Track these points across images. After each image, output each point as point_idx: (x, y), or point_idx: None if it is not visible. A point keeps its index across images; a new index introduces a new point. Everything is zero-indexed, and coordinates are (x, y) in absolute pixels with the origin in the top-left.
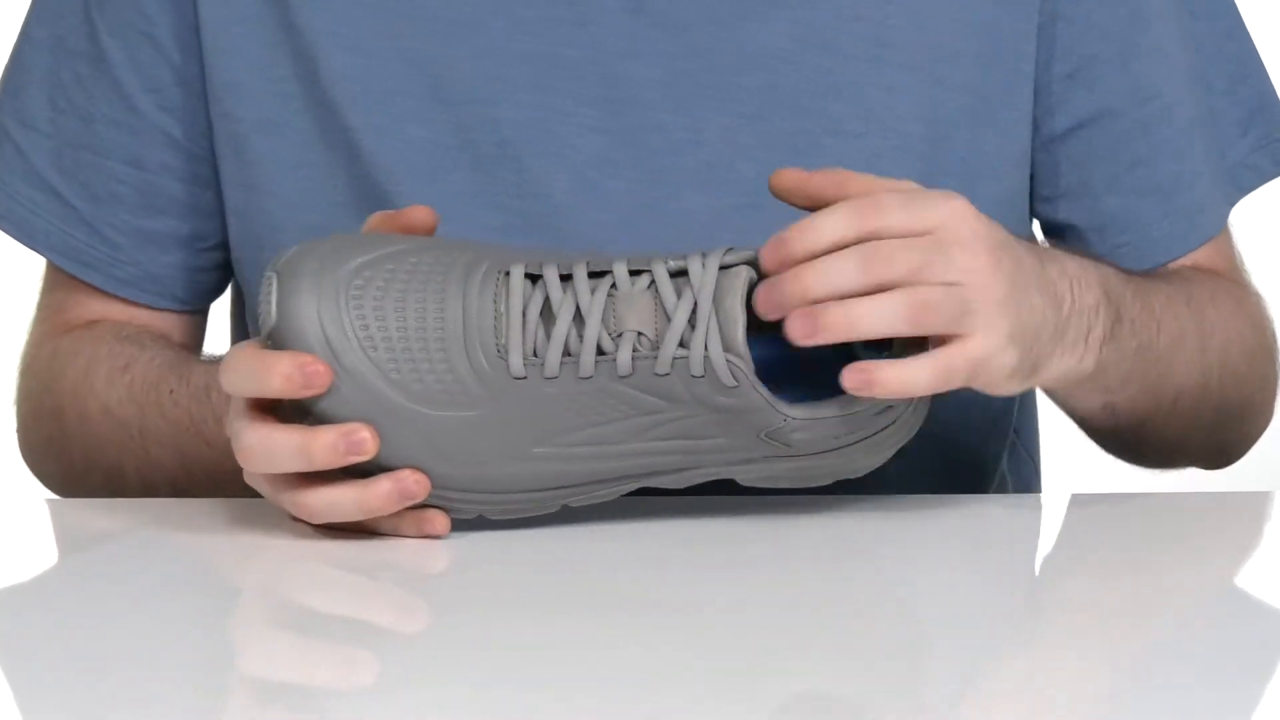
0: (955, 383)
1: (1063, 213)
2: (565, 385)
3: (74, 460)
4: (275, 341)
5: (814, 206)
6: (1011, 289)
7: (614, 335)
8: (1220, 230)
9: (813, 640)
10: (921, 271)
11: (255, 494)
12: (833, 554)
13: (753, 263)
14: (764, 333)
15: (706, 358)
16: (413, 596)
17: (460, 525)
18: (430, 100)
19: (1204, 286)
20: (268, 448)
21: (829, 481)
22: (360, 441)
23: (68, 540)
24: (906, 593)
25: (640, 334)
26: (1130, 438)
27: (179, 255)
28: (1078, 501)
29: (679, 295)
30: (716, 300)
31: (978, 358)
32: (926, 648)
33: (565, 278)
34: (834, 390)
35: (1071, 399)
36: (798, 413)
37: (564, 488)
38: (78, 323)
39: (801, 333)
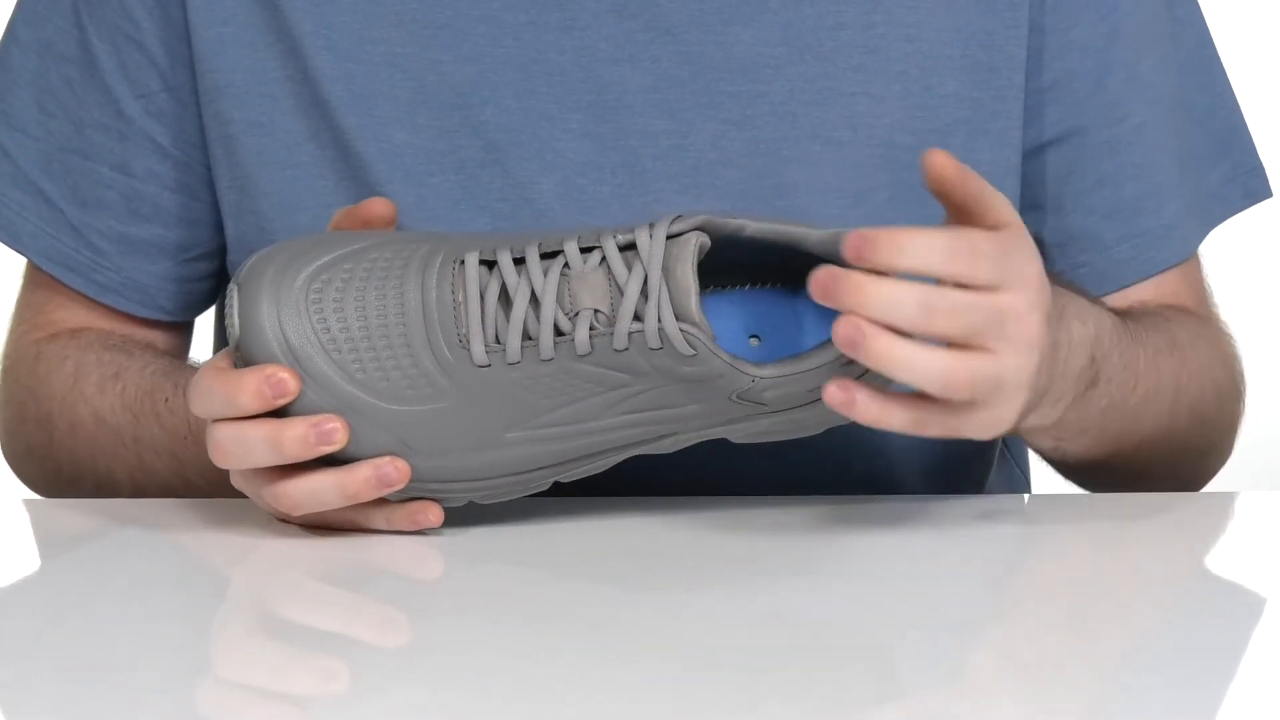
0: (948, 435)
1: (1030, 225)
2: (529, 369)
3: (61, 467)
4: (241, 353)
5: (945, 199)
6: (1038, 367)
7: (570, 315)
8: (1188, 257)
9: (802, 643)
10: (973, 338)
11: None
12: (821, 556)
13: (703, 227)
14: (728, 289)
15: (661, 329)
16: (399, 601)
17: (453, 521)
18: (415, 104)
19: (1186, 329)
20: (240, 442)
21: (820, 430)
22: (330, 431)
23: (46, 542)
24: (895, 593)
25: (596, 311)
26: (1081, 474)
27: (164, 264)
28: (1066, 502)
29: (629, 269)
30: (666, 270)
31: (988, 425)
32: (914, 648)
33: (519, 261)
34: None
35: (1023, 436)
36: (765, 372)
37: (546, 467)
38: (61, 327)
39: (846, 341)
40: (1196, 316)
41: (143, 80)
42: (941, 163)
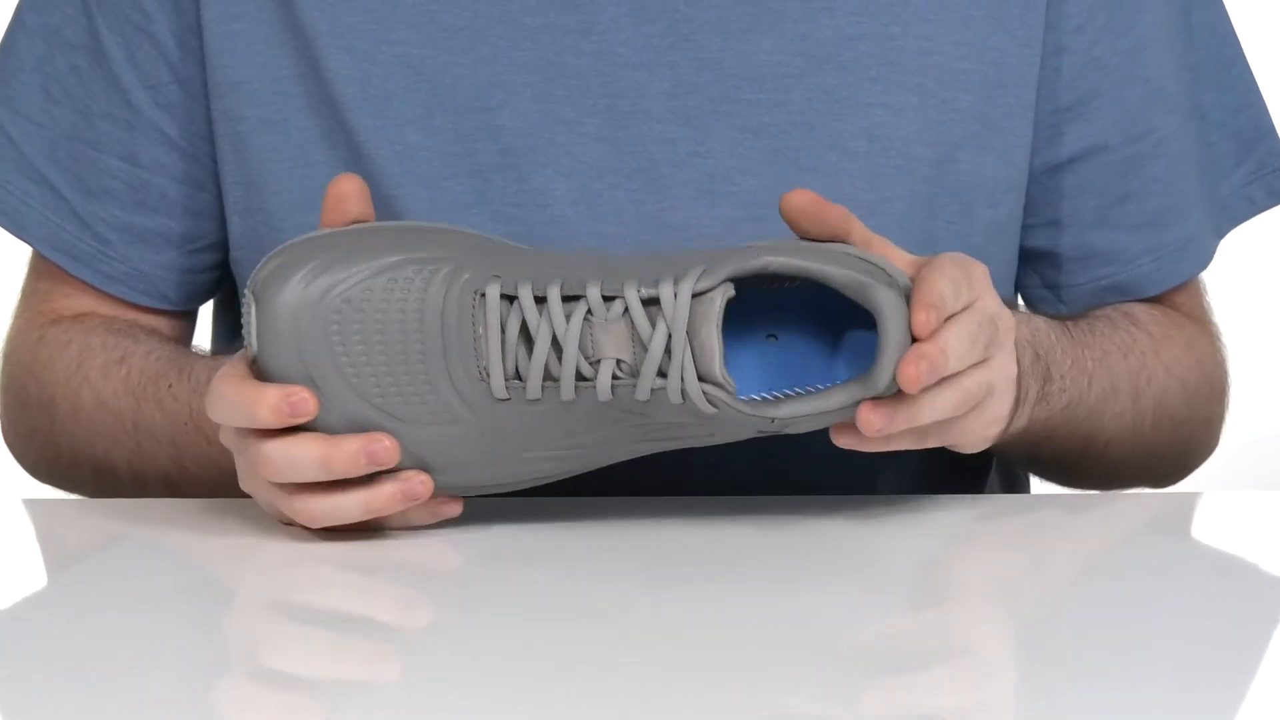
0: (947, 444)
1: (1046, 241)
2: (549, 405)
3: (61, 451)
4: (258, 368)
5: (819, 234)
6: (1011, 359)
7: (592, 361)
8: (1208, 265)
9: (803, 641)
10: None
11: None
12: (822, 555)
13: (732, 277)
14: (750, 328)
15: (684, 389)
16: (414, 597)
17: (465, 519)
18: (431, 106)
19: (1151, 332)
20: (290, 459)
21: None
22: (381, 450)
23: (48, 542)
24: (896, 592)
25: (619, 360)
26: (1057, 477)
27: (169, 255)
28: (1065, 502)
29: (653, 325)
30: (691, 331)
31: (986, 425)
32: (914, 646)
33: (540, 299)
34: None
35: (999, 449)
36: (784, 412)
37: (559, 479)
38: (65, 313)
39: (877, 425)
40: (1176, 316)
41: (152, 71)
42: (800, 201)
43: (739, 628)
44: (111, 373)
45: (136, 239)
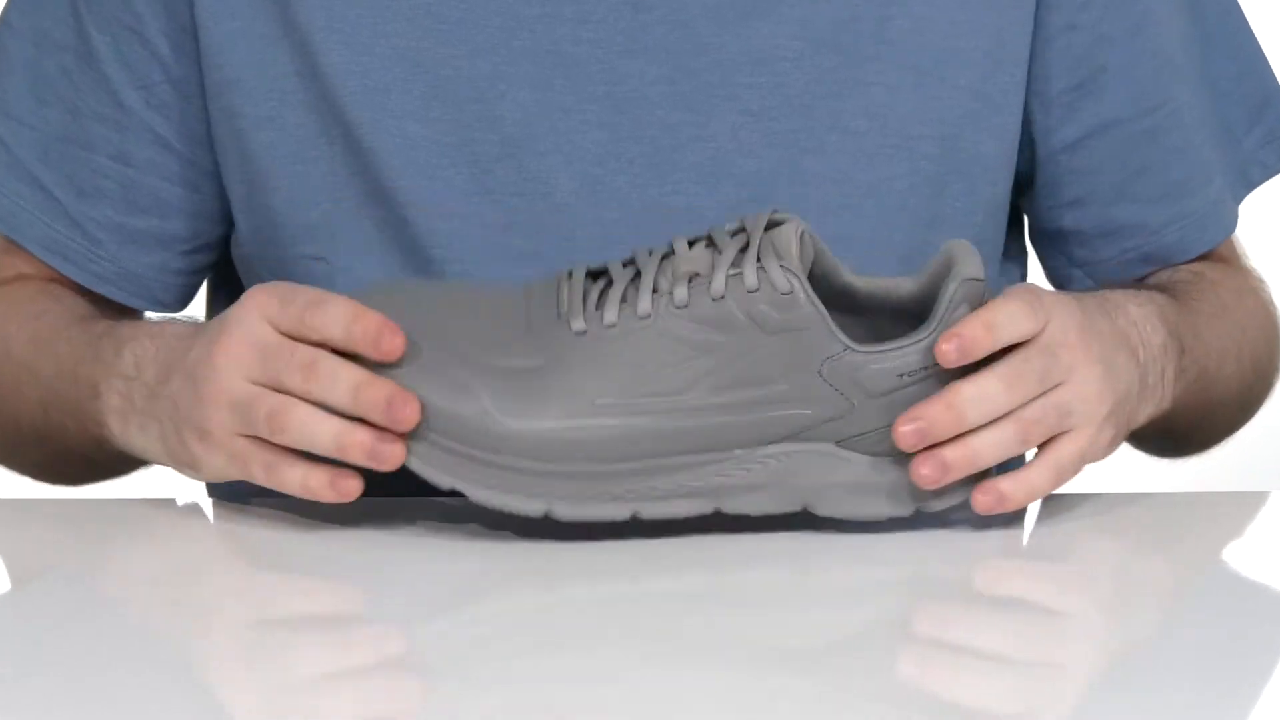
0: (1070, 476)
1: (1069, 220)
2: (625, 328)
3: None
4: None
5: None
6: (1105, 370)
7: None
8: (1233, 230)
9: (805, 639)
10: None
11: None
12: (824, 554)
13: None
14: None
15: (761, 269)
16: (408, 620)
17: (464, 533)
18: (430, 98)
19: (1229, 287)
20: (333, 376)
21: (883, 516)
22: (403, 419)
23: (44, 543)
24: (896, 591)
25: (696, 274)
26: (1167, 448)
27: (160, 255)
28: (1067, 502)
29: (731, 236)
30: (767, 234)
31: (1083, 448)
32: (915, 644)
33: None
34: None
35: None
36: (860, 348)
37: (631, 461)
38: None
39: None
40: (1231, 266)
41: (144, 71)
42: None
43: (739, 626)
44: (25, 326)
45: (128, 239)
